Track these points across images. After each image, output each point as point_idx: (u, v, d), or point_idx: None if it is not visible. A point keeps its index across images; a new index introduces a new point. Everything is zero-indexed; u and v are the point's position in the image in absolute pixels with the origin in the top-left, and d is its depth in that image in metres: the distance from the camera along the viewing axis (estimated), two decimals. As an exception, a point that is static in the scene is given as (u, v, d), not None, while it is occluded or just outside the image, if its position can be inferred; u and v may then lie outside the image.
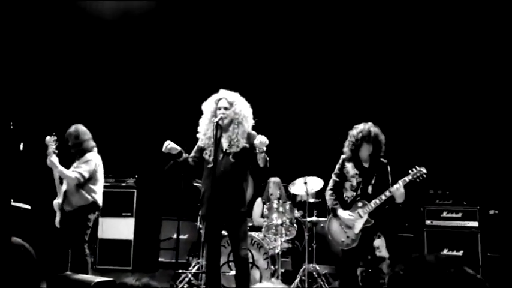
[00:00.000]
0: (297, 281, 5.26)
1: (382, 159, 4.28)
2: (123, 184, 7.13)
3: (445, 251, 6.21)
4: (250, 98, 4.28)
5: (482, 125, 6.70)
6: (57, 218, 4.58)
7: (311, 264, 5.41)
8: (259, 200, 6.18)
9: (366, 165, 4.26)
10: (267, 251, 5.28)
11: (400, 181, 4.07)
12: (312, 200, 5.85)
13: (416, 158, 4.54)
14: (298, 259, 5.71)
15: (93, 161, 4.67)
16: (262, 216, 5.75)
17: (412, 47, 6.85)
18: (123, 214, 6.98)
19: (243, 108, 4.16)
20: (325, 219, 5.91)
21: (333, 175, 4.36)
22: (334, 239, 4.28)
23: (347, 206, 4.24)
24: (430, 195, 6.43)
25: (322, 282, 5.30)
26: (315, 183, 5.68)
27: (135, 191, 7.08)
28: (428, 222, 6.35)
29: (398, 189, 4.04)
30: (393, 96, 7.00)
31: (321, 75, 7.26)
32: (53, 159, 4.49)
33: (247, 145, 4.04)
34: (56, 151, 4.55)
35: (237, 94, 4.21)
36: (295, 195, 6.23)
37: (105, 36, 7.15)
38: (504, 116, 6.58)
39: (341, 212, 4.21)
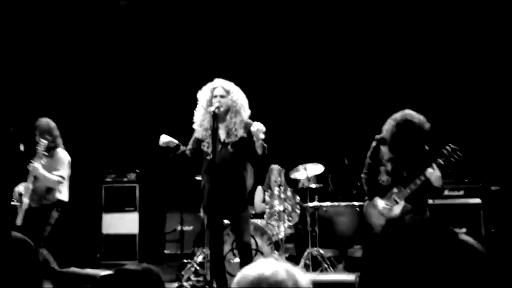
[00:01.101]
0: (301, 265, 5.28)
1: None
2: (125, 179, 7.14)
3: (449, 229, 6.23)
4: (247, 86, 4.26)
5: (481, 101, 6.68)
6: (21, 216, 4.55)
7: (315, 248, 5.43)
8: (259, 188, 6.20)
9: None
10: (270, 237, 5.31)
11: (433, 163, 3.82)
12: (313, 186, 5.86)
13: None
14: (301, 244, 5.73)
15: (66, 159, 4.76)
16: (264, 201, 5.77)
17: (404, 35, 6.83)
18: (126, 209, 7.01)
19: (239, 96, 4.13)
20: (329, 203, 5.97)
21: (367, 158, 4.14)
22: (374, 224, 4.10)
23: (382, 189, 4.05)
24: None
25: (326, 266, 5.33)
26: (315, 168, 5.68)
27: (137, 185, 7.09)
28: (430, 201, 6.34)
29: (432, 174, 3.80)
30: (389, 74, 6.98)
31: (317, 61, 7.23)
32: (37, 164, 4.54)
33: (245, 134, 4.01)
34: (46, 154, 4.62)
35: (232, 83, 4.19)
36: (296, 182, 6.24)
37: (102, 31, 7.13)
38: (504, 93, 6.56)
39: (377, 201, 4.03)
